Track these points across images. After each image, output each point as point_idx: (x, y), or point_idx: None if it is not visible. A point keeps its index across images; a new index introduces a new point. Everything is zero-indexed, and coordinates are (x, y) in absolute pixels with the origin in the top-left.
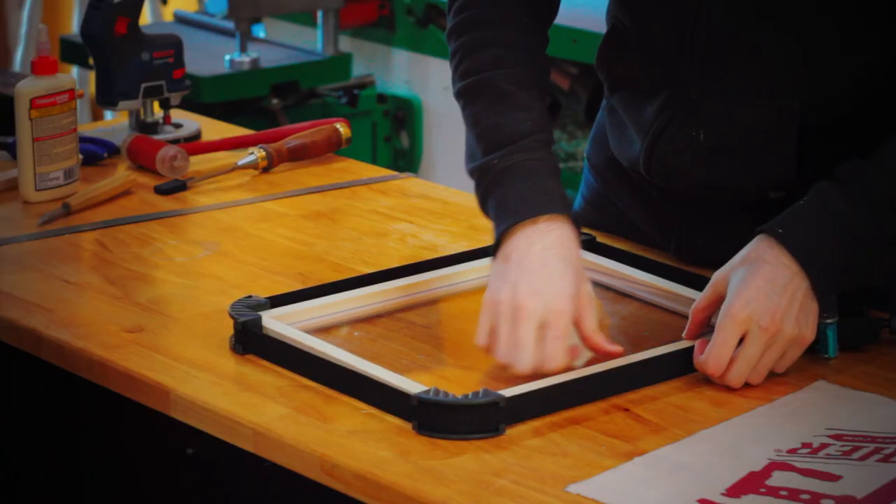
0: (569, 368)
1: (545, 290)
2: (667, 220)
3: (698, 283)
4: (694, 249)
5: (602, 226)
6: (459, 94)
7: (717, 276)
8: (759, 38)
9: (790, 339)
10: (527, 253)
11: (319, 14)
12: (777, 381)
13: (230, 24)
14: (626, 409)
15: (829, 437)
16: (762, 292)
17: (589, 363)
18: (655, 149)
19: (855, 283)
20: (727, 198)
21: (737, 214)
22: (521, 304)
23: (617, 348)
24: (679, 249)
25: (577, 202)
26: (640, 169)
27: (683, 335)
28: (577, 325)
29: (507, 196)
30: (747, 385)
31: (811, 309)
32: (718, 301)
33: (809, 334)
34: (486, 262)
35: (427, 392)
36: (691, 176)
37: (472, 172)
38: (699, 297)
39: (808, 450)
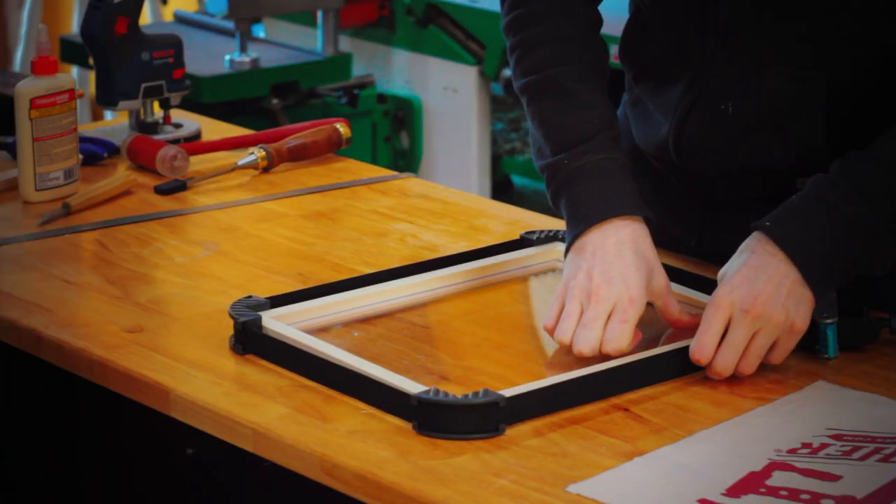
0: (626, 353)
1: (618, 279)
2: (690, 214)
3: (707, 287)
4: (717, 244)
5: None
6: (522, 91)
7: (719, 274)
8: (780, 7)
9: (777, 324)
10: (601, 245)
11: (319, 14)
12: (777, 381)
13: (230, 24)
14: (626, 409)
15: (828, 437)
16: (746, 279)
17: (588, 363)
18: (684, 128)
19: (855, 273)
20: (755, 185)
21: (760, 208)
22: (594, 289)
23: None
24: (701, 243)
25: None
26: (669, 154)
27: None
28: (663, 312)
29: (581, 197)
30: (744, 381)
31: (802, 297)
32: None
33: (800, 322)
34: (485, 262)
35: (427, 392)
36: (720, 155)
37: (543, 170)
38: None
39: (808, 450)
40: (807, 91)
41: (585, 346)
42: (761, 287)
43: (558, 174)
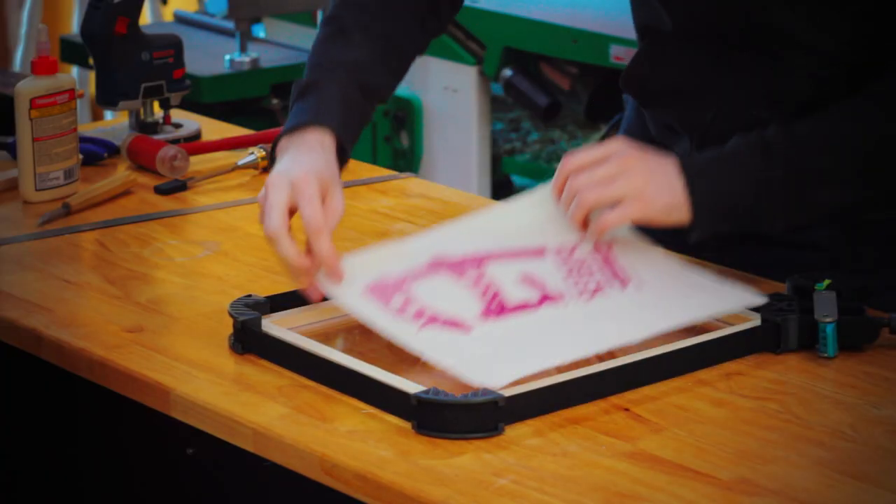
0: None
1: (295, 167)
2: None
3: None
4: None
5: None
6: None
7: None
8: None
9: (635, 184)
10: (294, 145)
11: (319, 14)
12: (777, 381)
13: (230, 24)
14: (626, 409)
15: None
16: (644, 158)
17: (588, 363)
18: (706, 138)
19: (741, 219)
20: None
21: None
22: (271, 178)
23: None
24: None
25: None
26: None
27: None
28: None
29: (296, 109)
30: (744, 381)
31: (672, 190)
32: None
33: (652, 197)
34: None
35: (426, 392)
36: None
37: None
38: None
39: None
40: (825, 89)
41: (274, 236)
42: (644, 156)
43: (298, 87)
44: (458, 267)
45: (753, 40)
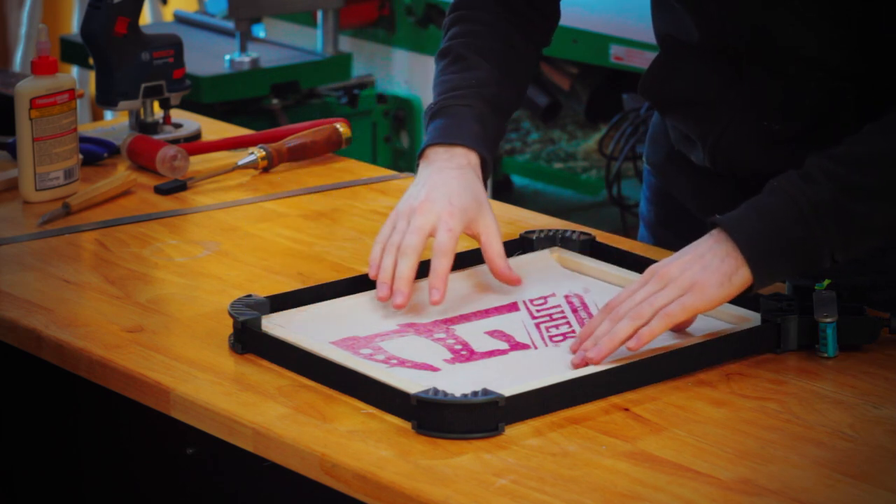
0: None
1: (442, 196)
2: (728, 206)
3: None
4: None
5: (665, 222)
6: (435, 61)
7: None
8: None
9: (677, 283)
10: (437, 167)
11: (319, 14)
12: (777, 381)
13: (230, 24)
14: (626, 409)
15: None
16: (688, 256)
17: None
18: (720, 144)
19: (800, 261)
20: None
21: None
22: (418, 206)
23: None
24: None
25: (642, 205)
26: (703, 162)
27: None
28: (484, 249)
29: (435, 126)
30: (745, 381)
31: (721, 266)
32: None
33: (704, 283)
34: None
35: (426, 392)
36: (757, 163)
37: (424, 116)
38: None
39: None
40: (839, 101)
41: (409, 251)
42: (681, 256)
43: (428, 113)
44: (426, 328)
45: (762, 54)
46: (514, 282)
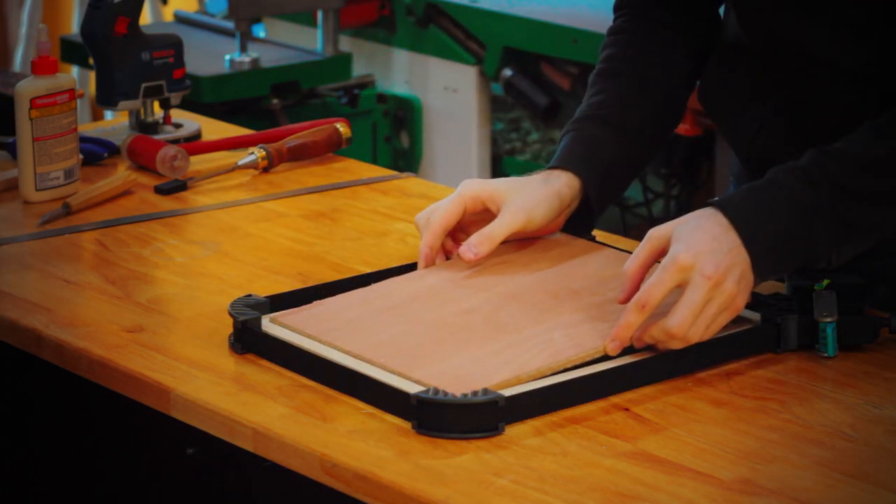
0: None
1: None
2: None
3: None
4: None
5: None
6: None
7: (653, 233)
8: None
9: (729, 297)
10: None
11: (319, 14)
12: (777, 381)
13: (230, 24)
14: (626, 409)
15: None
16: (707, 245)
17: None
18: (754, 145)
19: (797, 260)
20: None
21: None
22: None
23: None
24: None
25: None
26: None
27: (619, 299)
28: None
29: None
30: (745, 381)
31: (750, 279)
32: (656, 258)
33: (742, 301)
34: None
35: (426, 391)
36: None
37: None
38: (633, 255)
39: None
40: (865, 103)
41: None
42: (722, 259)
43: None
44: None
45: (788, 60)
46: (470, 263)
